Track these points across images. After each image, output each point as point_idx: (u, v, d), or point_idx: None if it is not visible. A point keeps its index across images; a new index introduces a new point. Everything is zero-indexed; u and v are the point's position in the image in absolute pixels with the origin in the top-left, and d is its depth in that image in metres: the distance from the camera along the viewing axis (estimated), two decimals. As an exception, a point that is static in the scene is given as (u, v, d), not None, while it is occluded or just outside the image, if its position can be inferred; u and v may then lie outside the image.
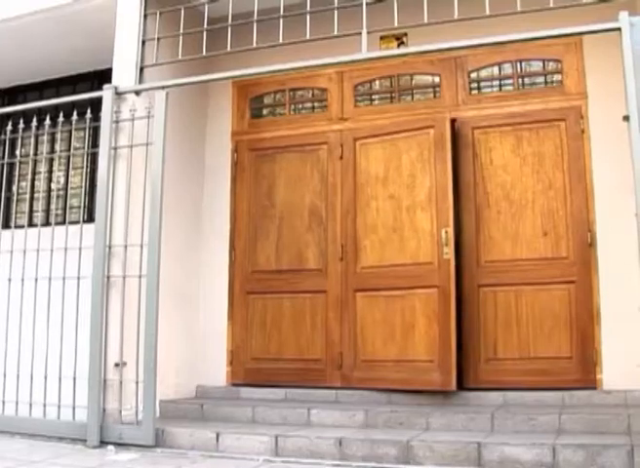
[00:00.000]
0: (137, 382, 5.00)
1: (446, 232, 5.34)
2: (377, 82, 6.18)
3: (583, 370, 5.26)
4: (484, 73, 5.86)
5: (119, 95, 5.42)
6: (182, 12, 5.37)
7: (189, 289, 6.19)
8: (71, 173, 6.12)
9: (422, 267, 5.52)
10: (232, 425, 5.10)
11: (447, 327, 5.29)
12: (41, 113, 5.92)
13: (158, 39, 5.44)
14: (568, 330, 5.32)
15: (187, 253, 6.18)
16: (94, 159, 5.73)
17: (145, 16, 5.51)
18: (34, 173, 6.07)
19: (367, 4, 4.88)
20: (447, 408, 5.10)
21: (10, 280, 5.57)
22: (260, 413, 5.30)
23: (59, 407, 5.21)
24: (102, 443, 4.95)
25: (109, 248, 5.24)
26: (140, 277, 5.08)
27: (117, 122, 5.38)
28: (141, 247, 5.12)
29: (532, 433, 4.53)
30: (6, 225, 6.11)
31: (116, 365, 5.13)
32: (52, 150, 6.10)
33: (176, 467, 4.31)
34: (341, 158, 5.99)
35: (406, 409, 5.09)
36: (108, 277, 5.22)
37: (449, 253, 5.33)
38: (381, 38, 5.87)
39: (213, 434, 4.81)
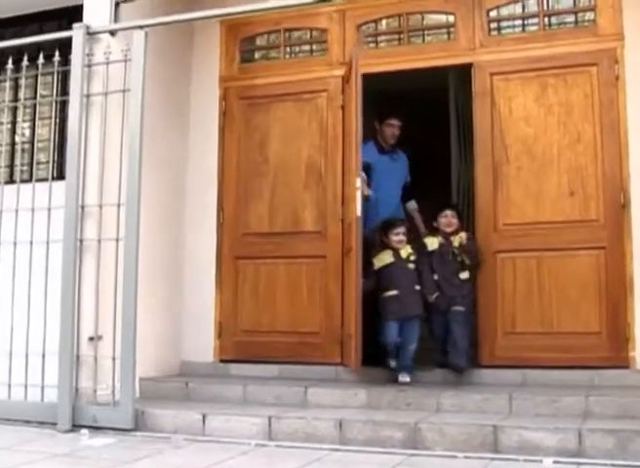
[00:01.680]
0: (113, 358, 5.00)
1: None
2: (383, 22, 6.15)
3: (614, 346, 5.23)
4: (505, 11, 5.80)
5: (91, 35, 5.38)
6: (163, -62, 5.32)
7: (173, 253, 6.20)
8: (38, 124, 6.02)
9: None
10: (221, 406, 5.12)
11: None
12: (2, 56, 5.83)
13: (136, -30, 5.42)
14: (597, 301, 5.29)
15: (170, 214, 6.19)
16: (63, 108, 5.67)
17: (122, -58, 5.48)
18: (-5, 124, 6.04)
19: None
20: (460, 387, 5.13)
21: (-31, 245, 5.55)
22: (251, 393, 5.32)
23: (25, 386, 5.21)
24: (75, 426, 4.95)
25: (82, 208, 5.23)
26: (117, 240, 5.07)
27: (90, 66, 5.35)
28: (118, 206, 5.10)
29: (555, 416, 4.53)
30: (-37, 183, 6.07)
31: (90, 339, 5.13)
32: (15, 98, 6.04)
33: (157, 452, 4.33)
34: (343, 107, 5.89)
35: (414, 388, 5.13)
36: (81, 241, 5.21)
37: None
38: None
39: (199, 415, 4.83)
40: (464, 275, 5.49)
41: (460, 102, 6.66)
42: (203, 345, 6.11)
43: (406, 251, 5.52)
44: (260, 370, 5.86)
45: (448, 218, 5.57)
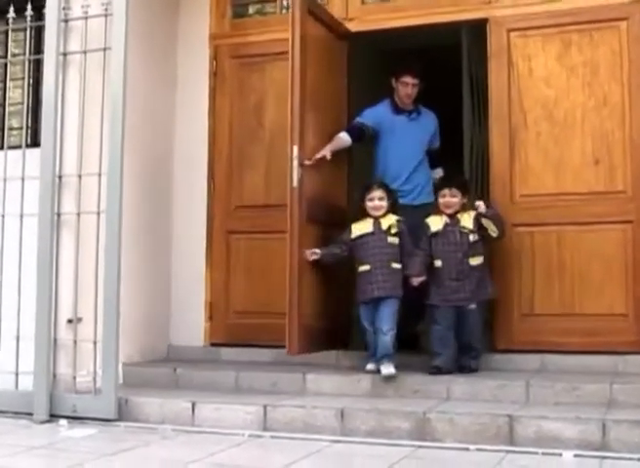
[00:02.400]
0: (94, 342, 5.02)
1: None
2: (390, -27, 6.08)
3: (642, 330, 5.25)
4: (523, -40, 5.74)
5: (68, -14, 5.37)
6: None
7: (159, 228, 6.22)
8: (9, 85, 5.96)
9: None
10: (211, 393, 5.14)
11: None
12: (-33, 10, 5.83)
13: None
14: (623, 280, 5.28)
15: (156, 184, 6.20)
16: (38, 68, 5.62)
17: None
18: (-39, 85, 6.03)
19: None
20: (472, 373, 5.13)
21: None
22: (244, 379, 5.34)
23: (-3, 373, 5.21)
24: (53, 416, 4.95)
25: (59, 178, 5.22)
26: (98, 214, 5.08)
27: (66, 21, 5.32)
28: (100, 176, 5.09)
29: (576, 405, 4.53)
30: None
31: (69, 321, 5.13)
32: (-17, 57, 6.04)
33: (142, 444, 4.34)
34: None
35: (422, 373, 5.12)
36: (59, 214, 5.21)
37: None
38: None
39: (188, 404, 4.85)
40: (476, 261, 5.17)
41: (473, 62, 6.62)
42: (192, 328, 6.13)
43: (388, 221, 5.25)
44: (254, 355, 5.88)
45: (446, 199, 5.22)
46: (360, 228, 5.29)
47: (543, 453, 4.05)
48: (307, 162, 5.31)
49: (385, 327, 5.07)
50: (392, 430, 4.41)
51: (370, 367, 5.16)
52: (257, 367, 5.58)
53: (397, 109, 5.82)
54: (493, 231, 5.17)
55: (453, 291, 5.12)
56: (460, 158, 6.54)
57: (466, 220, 5.21)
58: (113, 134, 5.01)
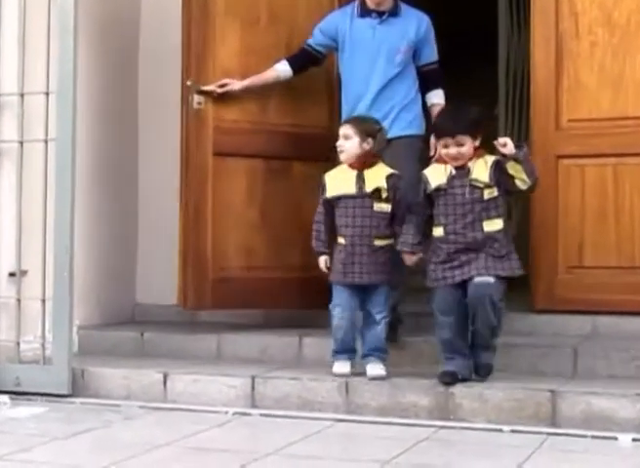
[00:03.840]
0: (43, 300, 5.04)
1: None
2: None
3: None
4: None
5: None
6: None
7: (122, 157, 6.24)
8: None
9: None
10: (187, 362, 5.18)
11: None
12: None
13: None
14: None
15: (118, 103, 6.21)
16: None
17: None
18: None
19: None
20: (506, 337, 4.93)
21: None
22: (228, 345, 5.39)
23: None
24: None
25: None
26: (45, 141, 5.10)
27: None
28: (47, 95, 5.09)
29: (635, 379, 4.53)
30: None
31: (11, 275, 5.17)
32: None
33: (102, 425, 4.36)
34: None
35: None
36: None
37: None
38: None
39: (159, 375, 4.89)
40: (493, 225, 4.53)
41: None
42: (163, 283, 6.08)
43: (376, 178, 4.75)
44: (239, 317, 5.91)
45: (449, 150, 4.53)
46: (337, 186, 4.83)
47: (593, 437, 4.06)
48: (209, 87, 5.44)
49: (378, 313, 4.73)
50: (408, 407, 4.43)
51: (339, 368, 4.72)
52: (243, 330, 5.60)
53: (364, 11, 5.44)
54: (522, 181, 4.47)
55: (460, 267, 4.53)
56: (494, 73, 6.49)
57: (480, 170, 4.54)
58: (63, 39, 4.98)
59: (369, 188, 4.73)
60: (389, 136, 5.05)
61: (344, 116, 5.27)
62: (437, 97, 5.46)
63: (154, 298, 6.20)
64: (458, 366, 4.53)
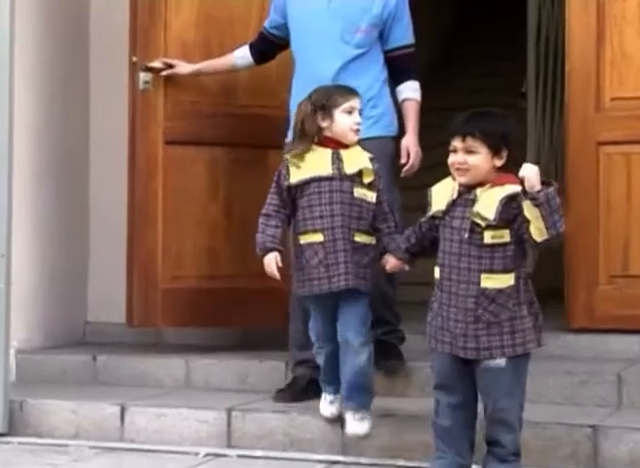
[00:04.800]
0: None
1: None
2: None
3: None
4: None
5: None
6: None
7: (71, 146, 6.29)
8: None
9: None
10: (150, 393, 5.24)
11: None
12: None
13: None
14: None
15: (66, 83, 6.25)
16: None
17: None
18: None
19: None
20: (537, 362, 4.64)
21: None
22: (198, 371, 5.42)
23: None
24: None
25: None
26: None
27: None
28: None
29: None
30: None
31: None
32: None
33: None
34: None
35: None
36: None
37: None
38: None
39: (114, 408, 4.89)
40: (497, 282, 3.80)
41: None
42: (120, 296, 5.91)
43: (356, 159, 4.41)
44: (212, 337, 5.98)
45: (457, 156, 3.84)
46: (308, 167, 4.45)
47: (642, 485, 4.10)
48: (154, 63, 5.48)
49: (356, 338, 4.33)
50: (415, 447, 4.34)
51: (324, 408, 4.53)
52: (216, 352, 5.63)
53: None
54: (537, 230, 3.67)
55: (453, 337, 3.89)
56: (522, 42, 6.37)
57: (489, 201, 3.81)
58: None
59: (348, 169, 4.38)
60: None
61: (294, 102, 4.91)
62: (410, 91, 5.14)
63: (109, 315, 6.14)
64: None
